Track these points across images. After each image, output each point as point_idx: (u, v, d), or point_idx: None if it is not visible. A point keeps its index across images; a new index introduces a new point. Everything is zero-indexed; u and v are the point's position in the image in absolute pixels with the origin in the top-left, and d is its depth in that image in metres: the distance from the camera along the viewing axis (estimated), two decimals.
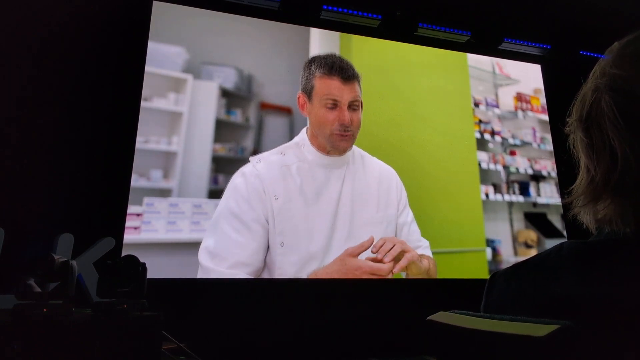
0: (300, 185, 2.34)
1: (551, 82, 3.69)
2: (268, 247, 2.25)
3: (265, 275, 2.27)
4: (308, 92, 2.32)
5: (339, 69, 2.26)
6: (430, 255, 2.56)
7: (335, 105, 2.26)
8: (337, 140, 2.29)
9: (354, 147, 2.49)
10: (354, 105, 2.31)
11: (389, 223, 2.43)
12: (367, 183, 2.45)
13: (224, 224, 2.19)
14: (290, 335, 2.51)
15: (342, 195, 2.37)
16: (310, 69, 2.33)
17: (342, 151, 2.36)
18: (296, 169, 2.34)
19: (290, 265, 2.27)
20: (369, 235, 2.34)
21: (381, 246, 2.22)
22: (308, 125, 2.40)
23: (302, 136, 2.39)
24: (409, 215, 2.52)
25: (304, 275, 2.33)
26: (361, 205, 2.42)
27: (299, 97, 2.37)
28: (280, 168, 2.33)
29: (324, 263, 2.32)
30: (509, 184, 3.42)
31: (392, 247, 2.21)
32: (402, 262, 2.21)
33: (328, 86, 2.27)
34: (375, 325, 2.67)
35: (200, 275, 2.22)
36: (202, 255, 2.18)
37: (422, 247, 2.53)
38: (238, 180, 2.26)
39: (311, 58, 2.42)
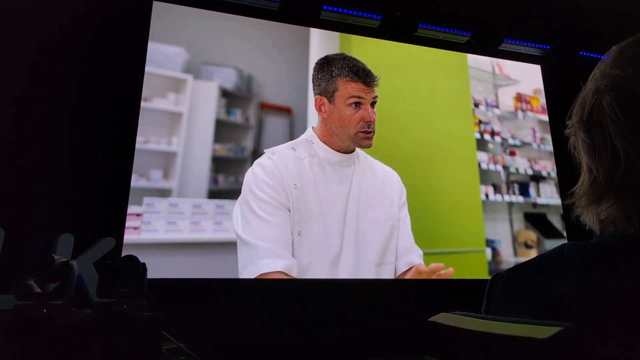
0: (313, 177, 2.36)
1: (551, 82, 3.69)
2: None
3: None
4: (329, 93, 2.34)
5: (364, 75, 2.33)
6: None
7: (359, 104, 2.32)
8: (361, 139, 2.34)
9: (356, 149, 2.49)
10: (374, 103, 2.39)
11: (393, 222, 2.47)
12: (374, 183, 2.48)
13: (256, 211, 2.18)
14: (291, 335, 2.51)
15: (351, 192, 2.40)
16: (331, 71, 2.34)
17: (364, 147, 2.41)
18: (308, 162, 2.37)
19: (305, 255, 2.29)
20: (376, 232, 2.40)
21: None
22: (317, 124, 2.40)
23: (310, 133, 2.40)
24: (407, 217, 2.53)
25: (317, 265, 2.34)
26: (368, 203, 2.44)
27: (316, 99, 2.38)
28: (295, 160, 2.35)
29: (338, 257, 2.35)
30: (509, 184, 3.42)
31: None
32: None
33: (353, 88, 2.33)
34: (375, 325, 2.67)
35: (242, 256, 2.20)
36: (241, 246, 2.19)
37: (418, 256, 2.53)
38: (257, 169, 2.26)
39: (326, 59, 2.40)
